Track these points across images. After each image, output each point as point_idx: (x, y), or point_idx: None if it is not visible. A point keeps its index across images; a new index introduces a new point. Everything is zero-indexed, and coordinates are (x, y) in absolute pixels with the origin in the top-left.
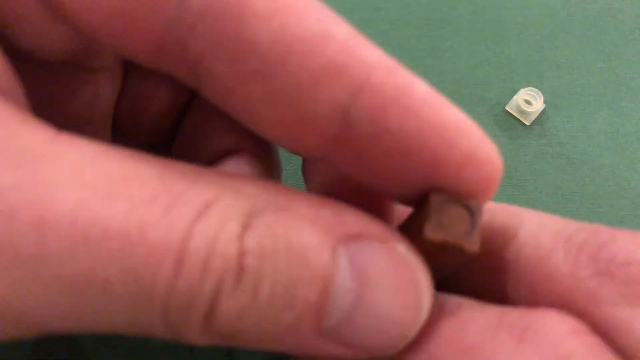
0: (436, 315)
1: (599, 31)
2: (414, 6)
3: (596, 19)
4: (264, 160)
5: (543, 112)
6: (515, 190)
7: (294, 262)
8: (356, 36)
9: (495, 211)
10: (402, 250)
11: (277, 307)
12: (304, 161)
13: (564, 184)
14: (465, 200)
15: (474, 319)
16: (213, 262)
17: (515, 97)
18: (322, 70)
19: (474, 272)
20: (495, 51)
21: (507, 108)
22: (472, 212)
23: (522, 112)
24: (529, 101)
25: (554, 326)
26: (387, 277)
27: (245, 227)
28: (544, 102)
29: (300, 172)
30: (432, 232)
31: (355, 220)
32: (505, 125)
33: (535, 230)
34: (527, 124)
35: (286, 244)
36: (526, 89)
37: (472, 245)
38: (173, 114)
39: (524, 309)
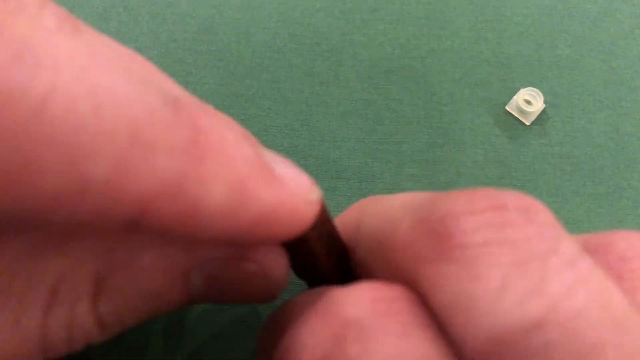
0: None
1: (599, 31)
2: (414, 6)
3: (596, 19)
4: None
5: (543, 112)
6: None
7: (151, 303)
8: (124, 158)
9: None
10: (250, 265)
11: (149, 315)
12: None
13: (564, 184)
14: None
15: (305, 297)
16: (74, 338)
17: (515, 97)
18: (94, 216)
19: (364, 265)
20: (495, 51)
21: (507, 108)
22: None
23: (522, 112)
24: (529, 101)
25: (355, 296)
26: (234, 277)
27: (96, 295)
28: (544, 102)
29: None
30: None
31: (201, 246)
32: (505, 125)
33: (397, 207)
34: (527, 124)
35: (139, 296)
36: (526, 89)
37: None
38: None
39: (341, 288)
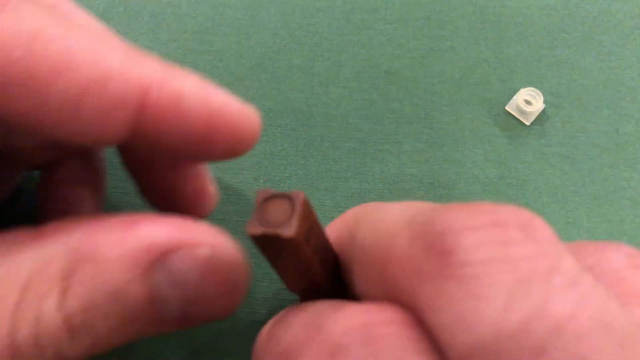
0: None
1: (599, 31)
2: (414, 6)
3: (596, 19)
4: (90, 162)
5: (543, 112)
6: (515, 190)
7: (117, 300)
8: (127, 58)
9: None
10: (204, 252)
11: (120, 330)
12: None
13: (564, 184)
14: (288, 193)
15: (296, 317)
16: (43, 339)
17: (515, 97)
18: (109, 104)
19: (357, 274)
20: (495, 51)
21: (507, 108)
22: (292, 200)
23: (522, 112)
24: (529, 101)
25: (341, 323)
26: (197, 277)
27: (63, 291)
28: (544, 102)
29: None
30: (252, 228)
31: (161, 237)
32: (505, 125)
33: (394, 220)
34: (527, 124)
35: (104, 291)
36: (526, 89)
37: (290, 230)
38: None
39: (334, 306)
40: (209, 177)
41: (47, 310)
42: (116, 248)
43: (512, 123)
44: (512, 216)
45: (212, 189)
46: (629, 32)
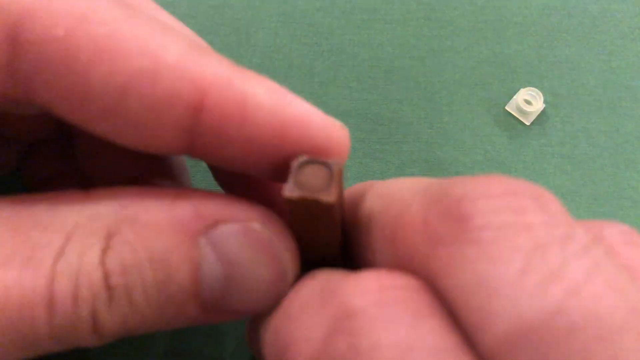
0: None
1: (599, 31)
2: (414, 6)
3: (596, 19)
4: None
5: (543, 112)
6: None
7: (158, 267)
8: (187, 53)
9: (367, 187)
10: (257, 227)
11: (157, 305)
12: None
13: (564, 184)
14: (324, 159)
15: (307, 285)
16: (81, 293)
17: (515, 97)
18: (159, 101)
19: (363, 244)
20: (495, 51)
21: (507, 108)
22: (330, 168)
23: (522, 112)
24: (529, 101)
25: (355, 287)
26: (247, 253)
27: (106, 249)
28: (544, 102)
29: None
30: (289, 191)
31: (211, 208)
32: (505, 125)
33: (406, 190)
34: (527, 124)
35: (147, 254)
36: (526, 89)
37: (329, 196)
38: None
39: (344, 274)
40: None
41: (89, 262)
42: (163, 212)
43: (512, 123)
44: (526, 188)
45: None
46: (629, 32)
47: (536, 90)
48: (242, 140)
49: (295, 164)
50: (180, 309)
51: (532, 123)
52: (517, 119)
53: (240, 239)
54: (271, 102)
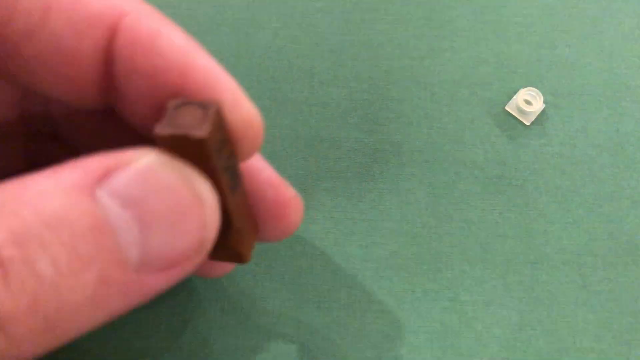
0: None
1: (599, 31)
2: (414, 6)
3: (596, 19)
4: None
5: (543, 112)
6: (515, 190)
7: (60, 229)
8: None
9: None
10: (153, 160)
11: (70, 272)
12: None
13: (564, 184)
14: (201, 100)
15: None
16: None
17: (515, 97)
18: (80, 22)
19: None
20: (495, 51)
21: (507, 108)
22: (206, 108)
23: (522, 112)
24: (529, 101)
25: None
26: (151, 189)
27: None
28: (544, 102)
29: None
30: (160, 129)
31: (98, 162)
32: (505, 125)
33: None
34: (527, 124)
35: (40, 218)
36: (526, 89)
37: (200, 131)
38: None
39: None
40: (284, 182)
41: None
42: (48, 180)
43: (512, 123)
44: None
45: (292, 195)
46: (629, 32)
47: (536, 90)
48: (148, 73)
49: (172, 104)
50: (101, 273)
51: (532, 123)
52: (517, 119)
53: (140, 177)
54: (182, 42)
